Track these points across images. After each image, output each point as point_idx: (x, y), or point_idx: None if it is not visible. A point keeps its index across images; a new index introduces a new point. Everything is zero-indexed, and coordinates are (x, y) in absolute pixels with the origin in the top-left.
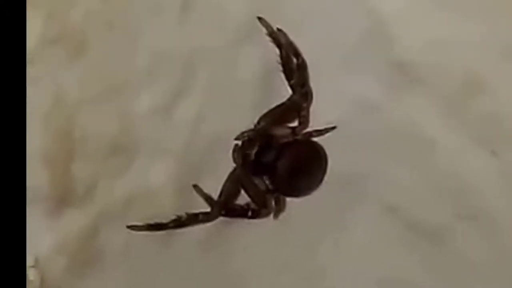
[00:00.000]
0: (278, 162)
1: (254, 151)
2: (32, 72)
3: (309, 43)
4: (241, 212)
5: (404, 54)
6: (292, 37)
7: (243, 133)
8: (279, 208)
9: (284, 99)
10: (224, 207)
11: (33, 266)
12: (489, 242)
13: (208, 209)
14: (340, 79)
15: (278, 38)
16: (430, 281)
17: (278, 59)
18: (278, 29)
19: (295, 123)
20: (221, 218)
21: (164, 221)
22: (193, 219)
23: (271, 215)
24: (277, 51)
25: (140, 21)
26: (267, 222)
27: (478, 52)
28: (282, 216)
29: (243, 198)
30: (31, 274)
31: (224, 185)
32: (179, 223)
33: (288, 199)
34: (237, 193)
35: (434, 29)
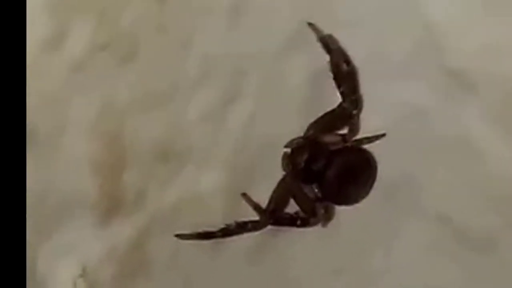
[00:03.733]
0: (327, 170)
1: (303, 159)
2: (81, 78)
3: (360, 49)
4: (290, 221)
5: (455, 61)
6: (343, 44)
7: (292, 140)
8: (328, 216)
9: (334, 106)
10: (273, 215)
11: (81, 276)
12: None
13: (257, 218)
14: (390, 85)
15: (328, 44)
16: None
17: (328, 65)
18: (328, 35)
19: (344, 130)
20: (270, 227)
21: (213, 229)
22: (242, 227)
23: (320, 224)
24: (327, 57)
25: (191, 26)
26: (316, 231)
27: None
28: (331, 224)
29: (292, 207)
30: (79, 283)
31: (273, 193)
32: (228, 231)
33: (337, 207)
34: (286, 202)
35: (486, 36)
